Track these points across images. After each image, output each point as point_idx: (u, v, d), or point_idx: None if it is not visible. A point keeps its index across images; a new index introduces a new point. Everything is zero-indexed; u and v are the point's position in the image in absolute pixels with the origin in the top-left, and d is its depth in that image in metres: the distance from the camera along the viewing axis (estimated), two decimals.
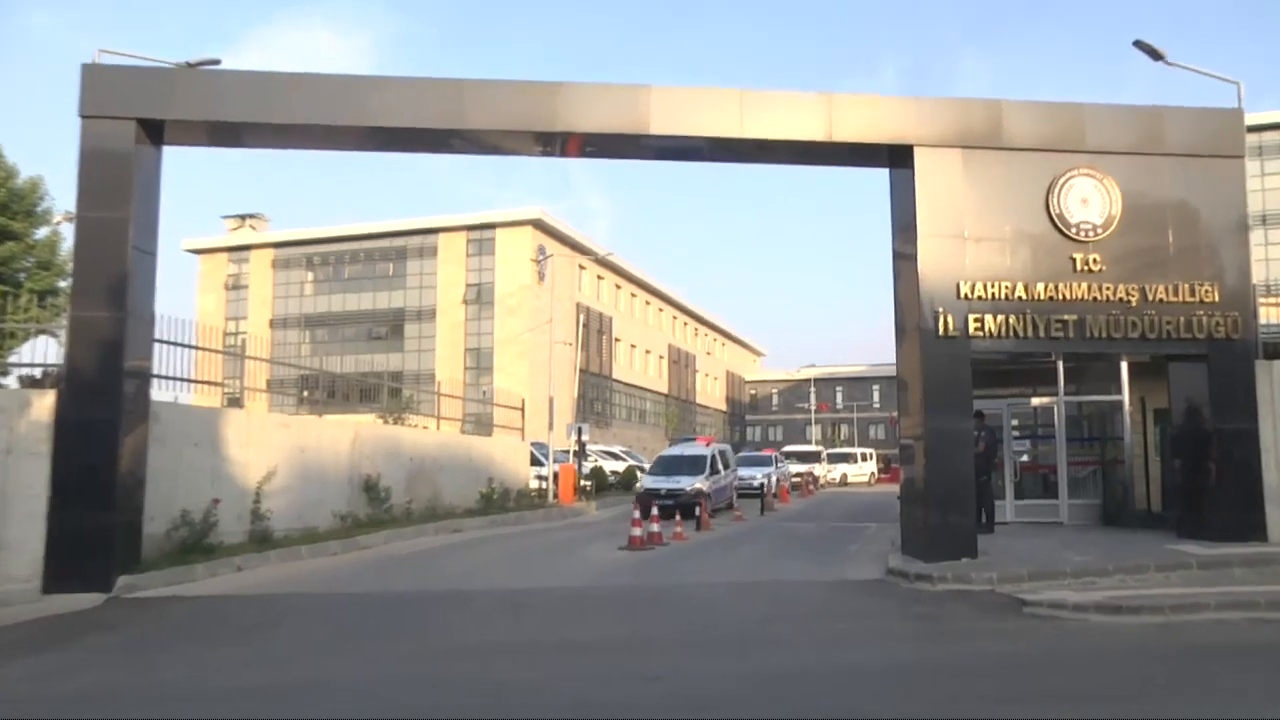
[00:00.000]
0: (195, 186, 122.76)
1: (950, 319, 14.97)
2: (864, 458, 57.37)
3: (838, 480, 52.75)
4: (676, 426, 76.80)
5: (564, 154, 16.33)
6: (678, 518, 21.68)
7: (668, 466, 27.98)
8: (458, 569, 15.79)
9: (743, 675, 8.42)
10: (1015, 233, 15.46)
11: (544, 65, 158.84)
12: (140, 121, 14.06)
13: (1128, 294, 15.44)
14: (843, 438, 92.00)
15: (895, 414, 19.08)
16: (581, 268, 61.85)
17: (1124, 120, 15.87)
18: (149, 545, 14.27)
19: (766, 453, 37.87)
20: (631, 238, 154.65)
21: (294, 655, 9.47)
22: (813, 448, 57.17)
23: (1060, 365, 19.46)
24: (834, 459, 55.89)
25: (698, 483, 26.69)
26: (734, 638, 10.15)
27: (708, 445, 29.60)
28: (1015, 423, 21.57)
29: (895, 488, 19.07)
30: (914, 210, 15.28)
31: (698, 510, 23.61)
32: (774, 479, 32.61)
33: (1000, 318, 15.10)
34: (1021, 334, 15.14)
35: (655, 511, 20.68)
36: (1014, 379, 20.94)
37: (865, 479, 54.30)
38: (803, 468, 45.25)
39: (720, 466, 28.69)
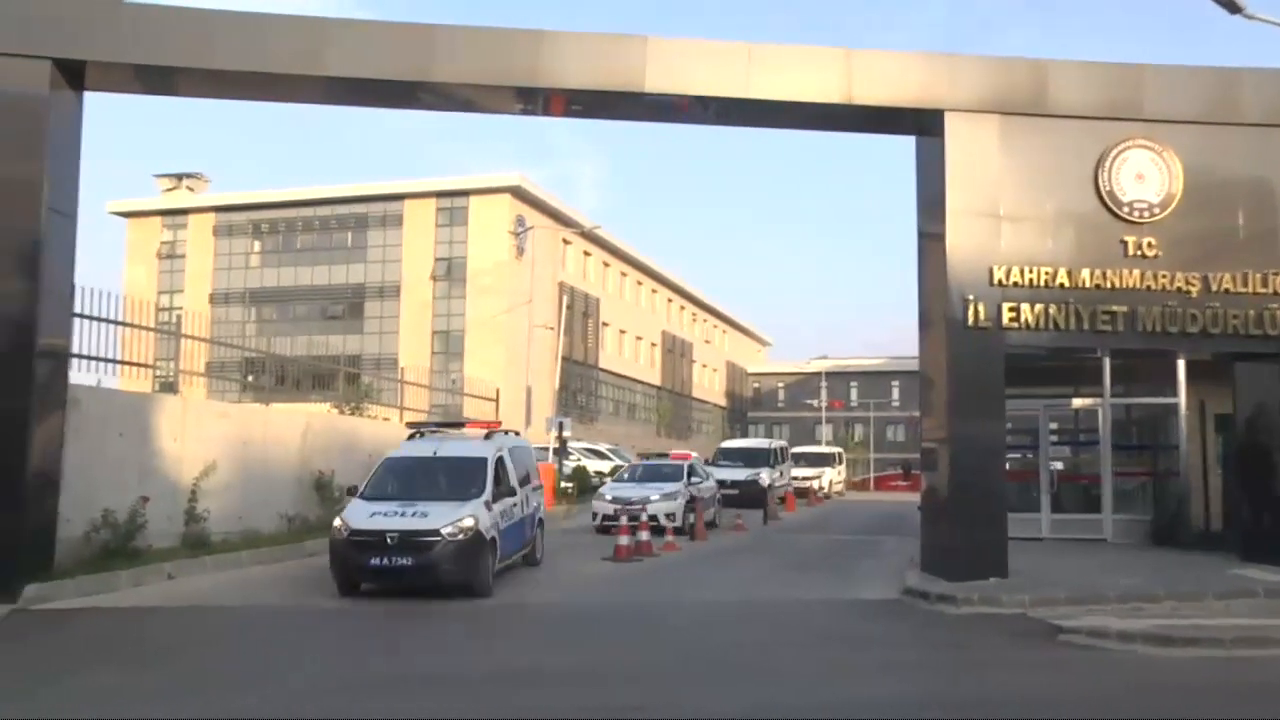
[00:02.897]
0: (123, 140, 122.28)
1: (981, 308, 14.89)
2: (824, 460, 48.37)
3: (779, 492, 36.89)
4: (670, 422, 76.78)
5: (547, 112, 16.19)
6: (670, 528, 21.62)
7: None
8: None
9: (735, 710, 8.31)
10: (1058, 211, 15.35)
11: (528, 14, 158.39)
12: (56, 62, 13.77)
13: (1187, 283, 15.34)
14: (857, 439, 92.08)
15: (917, 414, 19.02)
16: (565, 242, 61.66)
17: (1190, 83, 15.72)
18: (64, 550, 14.07)
19: (677, 459, 28.03)
20: (623, 210, 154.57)
21: (222, 682, 9.29)
22: (823, 449, 55.49)
23: (1107, 363, 19.35)
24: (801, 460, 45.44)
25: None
26: (727, 665, 10.04)
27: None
28: (1054, 427, 21.50)
29: (906, 498, 18.94)
30: (942, 184, 15.16)
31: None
32: (679, 504, 23.89)
33: (1039, 307, 15.01)
34: (1063, 326, 15.05)
35: (624, 522, 20.11)
36: (1053, 377, 20.85)
37: (820, 488, 43.55)
38: (810, 472, 43.55)
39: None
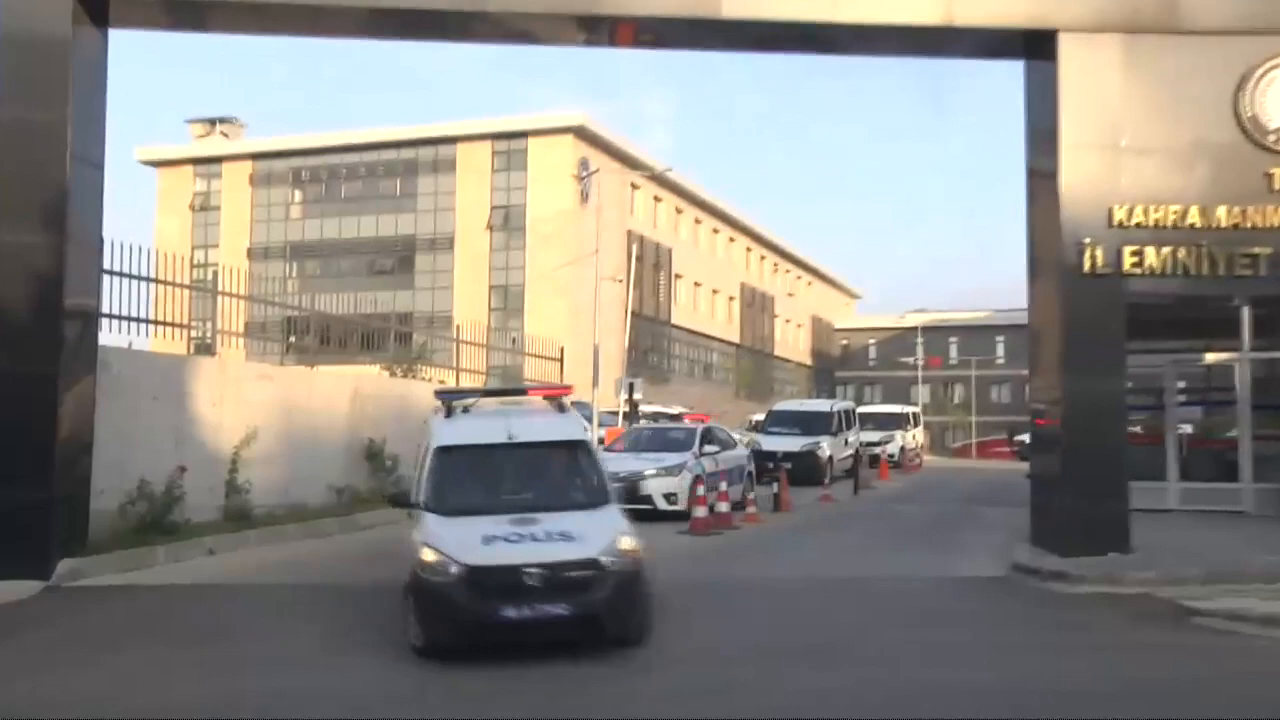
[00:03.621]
0: (152, 82, 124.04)
1: (1099, 252, 14.63)
2: (893, 421, 44.49)
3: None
4: (750, 383, 76.59)
5: (613, 43, 16.05)
6: (752, 498, 21.51)
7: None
8: None
9: (827, 692, 8.31)
10: (1191, 142, 14.94)
11: None
12: None
13: None
14: (956, 400, 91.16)
15: (1025, 372, 18.79)
16: (634, 187, 61.45)
17: None
18: (98, 523, 14.33)
19: (693, 420, 27.68)
20: (696, 152, 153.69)
21: (270, 662, 9.45)
22: (893, 407, 49.72)
23: (1246, 313, 18.89)
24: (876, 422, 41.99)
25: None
26: (819, 647, 9.99)
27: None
28: (1182, 385, 21.08)
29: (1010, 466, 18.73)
30: (1055, 115, 14.88)
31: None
32: (683, 480, 20.71)
33: (1165, 251, 14.67)
34: (1194, 271, 14.72)
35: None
36: (1182, 329, 20.36)
37: (890, 455, 39.33)
38: (875, 436, 37.99)
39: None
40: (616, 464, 18.77)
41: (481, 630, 9.26)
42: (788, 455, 27.98)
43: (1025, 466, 17.64)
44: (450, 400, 12.01)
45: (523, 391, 14.51)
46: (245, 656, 9.69)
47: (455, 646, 9.29)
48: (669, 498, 20.23)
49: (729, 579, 14.20)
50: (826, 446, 30.63)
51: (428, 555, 9.57)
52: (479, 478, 10.90)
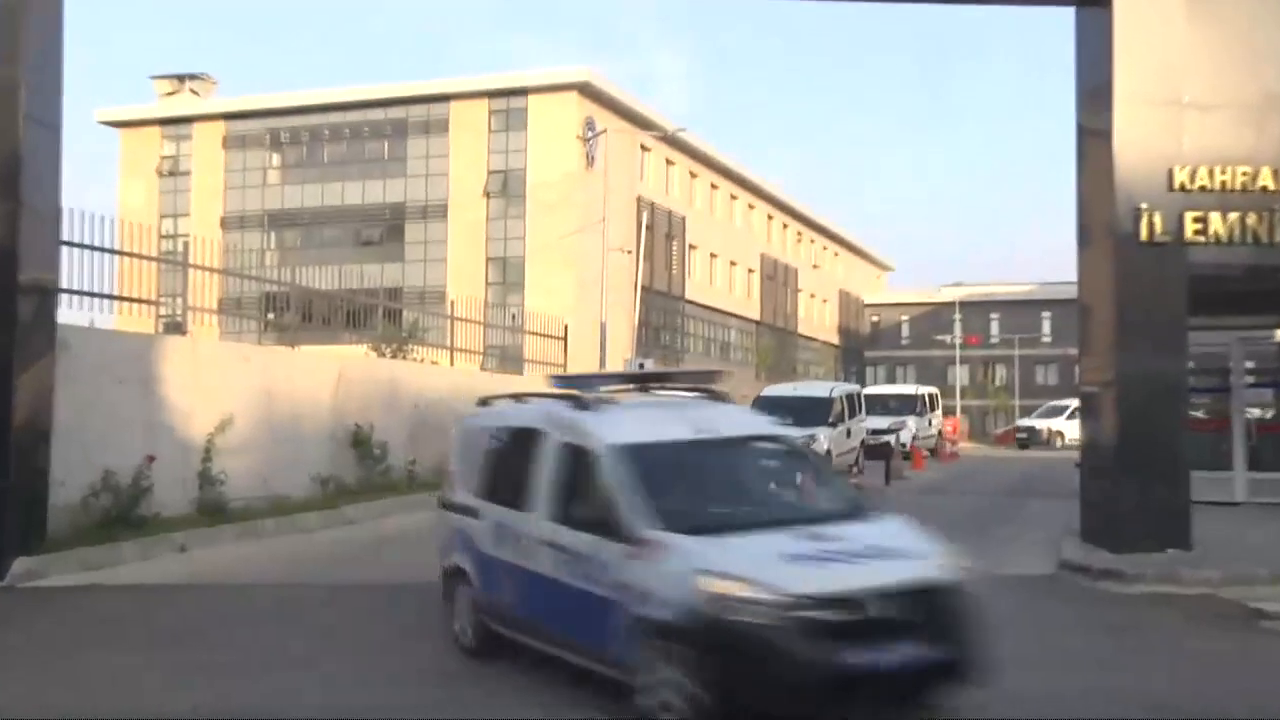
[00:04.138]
0: (114, 35, 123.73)
1: (1157, 219, 14.54)
2: (904, 404, 42.35)
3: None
4: (771, 363, 76.51)
5: None
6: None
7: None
8: None
9: None
10: (1262, 96, 14.81)
11: None
12: None
13: None
14: (998, 382, 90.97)
15: (1074, 351, 18.69)
16: (644, 149, 61.29)
17: None
18: (58, 518, 14.31)
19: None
20: (712, 111, 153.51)
21: (245, 669, 9.40)
22: (903, 388, 48.50)
23: None
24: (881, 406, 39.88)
25: None
26: None
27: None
28: (1250, 365, 20.97)
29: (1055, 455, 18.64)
30: (1109, 66, 14.78)
31: None
32: None
33: (1233, 217, 14.57)
34: (1264, 239, 14.63)
35: None
36: (1250, 304, 20.19)
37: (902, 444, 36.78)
38: (883, 422, 35.82)
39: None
40: None
41: (822, 687, 7.07)
42: None
43: (1044, 455, 17.52)
44: (577, 387, 10.01)
45: (666, 377, 12.23)
46: (221, 663, 9.63)
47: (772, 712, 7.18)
48: None
49: None
50: (824, 439, 27.68)
51: (727, 587, 7.25)
52: (696, 484, 8.96)
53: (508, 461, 9.73)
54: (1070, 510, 16.78)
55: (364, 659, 9.78)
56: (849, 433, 30.66)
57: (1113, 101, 14.71)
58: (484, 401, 11.21)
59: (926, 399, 43.62)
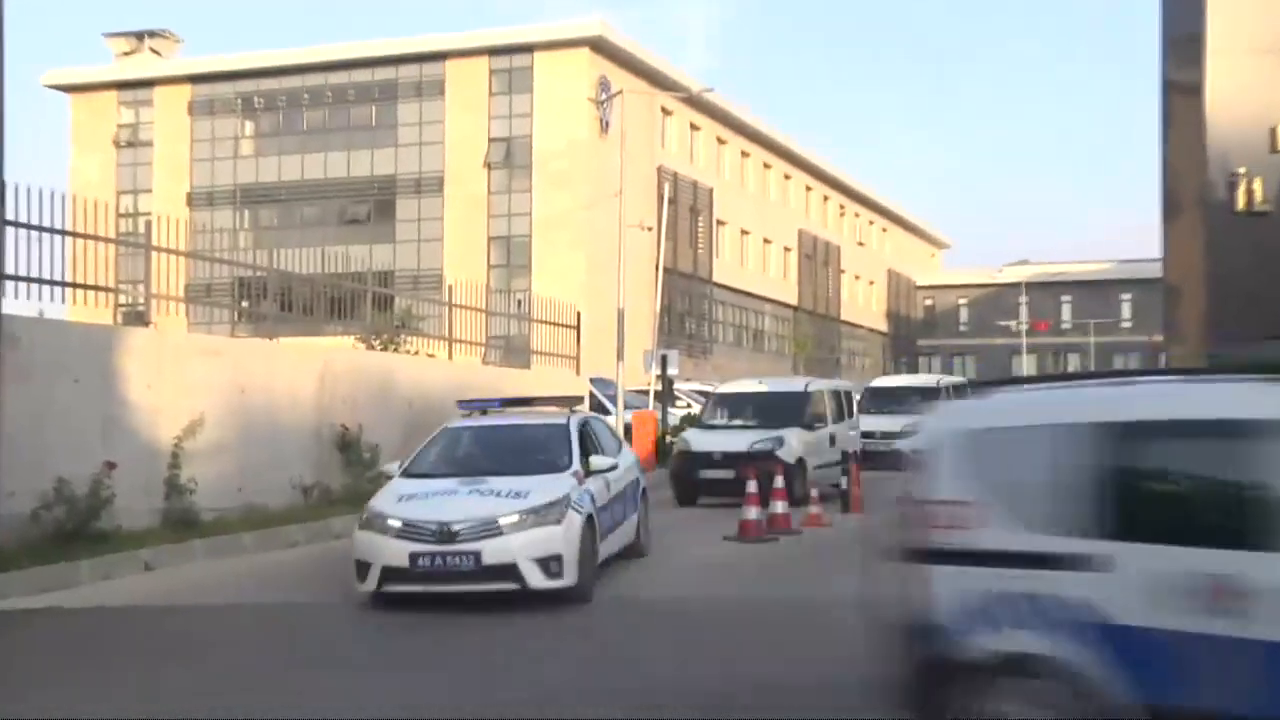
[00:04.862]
0: None
1: (1257, 185, 14.50)
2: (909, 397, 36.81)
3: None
4: (811, 354, 76.46)
5: None
6: (815, 494, 21.31)
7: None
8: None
9: None
10: None
11: None
12: None
13: None
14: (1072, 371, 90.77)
15: (1158, 337, 18.52)
16: (666, 112, 61.30)
17: None
18: (7, 532, 14.33)
19: (546, 410, 17.54)
20: (742, 70, 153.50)
21: (209, 703, 9.37)
22: (908, 379, 46.16)
23: None
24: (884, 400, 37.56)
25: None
26: None
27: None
28: None
29: None
30: (1202, 12, 14.84)
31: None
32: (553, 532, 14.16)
33: None
34: None
35: (752, 488, 18.76)
36: None
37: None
38: (885, 424, 33.04)
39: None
40: (413, 509, 13.32)
41: None
42: (726, 457, 23.45)
43: None
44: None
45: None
46: (193, 690, 9.62)
47: None
48: (547, 564, 13.05)
49: (790, 597, 14.05)
50: (794, 444, 24.50)
51: None
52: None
53: (1183, 476, 7.12)
54: None
55: (351, 683, 9.73)
56: (832, 439, 26.42)
57: (1205, 51, 14.66)
58: (974, 389, 8.67)
59: (939, 390, 37.12)
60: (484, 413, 15.99)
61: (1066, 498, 6.73)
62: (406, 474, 14.39)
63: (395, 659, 10.89)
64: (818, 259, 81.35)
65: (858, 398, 32.72)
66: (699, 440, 25.21)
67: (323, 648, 11.48)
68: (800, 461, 23.97)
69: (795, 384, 30.33)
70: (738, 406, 27.43)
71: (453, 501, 13.20)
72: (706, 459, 24.10)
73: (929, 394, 32.70)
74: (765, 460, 22.43)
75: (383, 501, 13.49)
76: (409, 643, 11.66)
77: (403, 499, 13.37)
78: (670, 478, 25.34)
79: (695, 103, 60.40)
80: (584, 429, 15.57)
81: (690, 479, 24.38)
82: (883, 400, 35.35)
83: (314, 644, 11.63)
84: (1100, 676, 6.29)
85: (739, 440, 24.45)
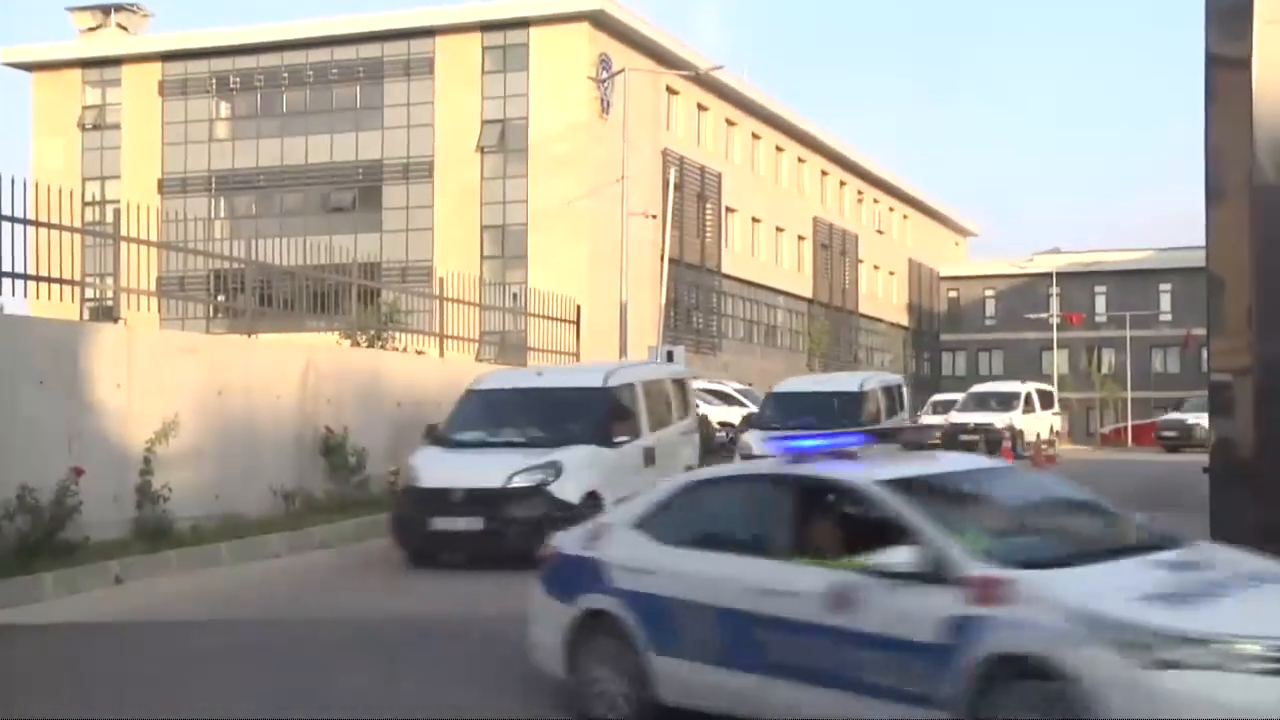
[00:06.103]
0: None
1: None
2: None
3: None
4: (827, 350, 76.40)
5: None
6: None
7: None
8: (469, 586, 15.75)
9: None
10: None
11: None
12: None
13: None
14: (1105, 370, 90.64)
15: (1195, 331, 18.49)
16: (671, 92, 61.24)
17: None
18: None
19: None
20: (753, 48, 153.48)
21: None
22: (838, 382, 34.84)
23: None
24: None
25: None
26: None
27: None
28: None
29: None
30: None
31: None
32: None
33: None
34: None
35: None
36: None
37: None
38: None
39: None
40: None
41: None
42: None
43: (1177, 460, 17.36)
44: None
45: None
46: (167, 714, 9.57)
47: None
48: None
49: None
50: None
51: None
52: None
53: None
54: (1194, 526, 16.58)
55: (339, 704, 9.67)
56: (649, 456, 20.06)
57: (1252, 21, 14.55)
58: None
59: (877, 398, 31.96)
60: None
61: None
62: None
63: (377, 682, 10.84)
64: (834, 249, 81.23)
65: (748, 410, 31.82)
66: (432, 468, 17.95)
67: (310, 671, 11.39)
68: (593, 495, 16.84)
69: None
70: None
71: None
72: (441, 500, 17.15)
73: (849, 401, 28.83)
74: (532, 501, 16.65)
75: None
76: (399, 662, 11.56)
77: None
78: (390, 526, 18.03)
79: (703, 82, 60.29)
80: None
81: (417, 531, 17.34)
82: (789, 410, 29.03)
83: (300, 668, 11.52)
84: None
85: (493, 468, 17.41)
